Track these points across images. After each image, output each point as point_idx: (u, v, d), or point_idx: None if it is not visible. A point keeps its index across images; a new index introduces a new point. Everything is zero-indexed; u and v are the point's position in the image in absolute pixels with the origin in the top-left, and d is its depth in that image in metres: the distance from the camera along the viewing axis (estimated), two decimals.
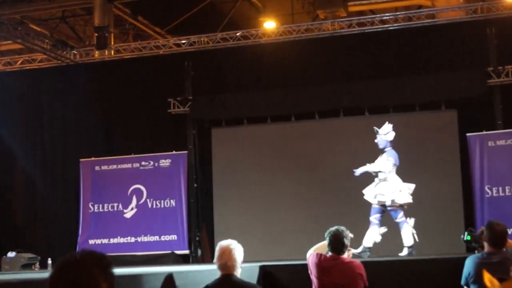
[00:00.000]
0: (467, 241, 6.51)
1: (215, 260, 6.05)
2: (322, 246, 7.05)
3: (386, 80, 14.87)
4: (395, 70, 14.92)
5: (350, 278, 6.69)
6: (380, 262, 10.08)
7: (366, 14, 16.49)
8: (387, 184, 12.11)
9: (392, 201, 11.95)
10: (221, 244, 6.08)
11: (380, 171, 12.15)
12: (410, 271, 9.67)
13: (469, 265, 6.98)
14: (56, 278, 2.52)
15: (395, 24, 15.31)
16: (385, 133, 12.40)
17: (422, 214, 14.21)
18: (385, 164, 12.12)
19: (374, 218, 12.04)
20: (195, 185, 15.73)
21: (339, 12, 15.79)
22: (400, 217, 11.99)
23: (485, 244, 6.93)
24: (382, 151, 12.37)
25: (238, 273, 6.03)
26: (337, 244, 6.76)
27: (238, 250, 6.03)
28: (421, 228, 14.04)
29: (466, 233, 6.57)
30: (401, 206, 12.04)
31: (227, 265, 5.94)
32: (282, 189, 15.14)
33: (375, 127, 12.36)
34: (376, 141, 12.36)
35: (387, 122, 12.48)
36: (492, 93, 14.38)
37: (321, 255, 6.82)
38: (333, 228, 6.83)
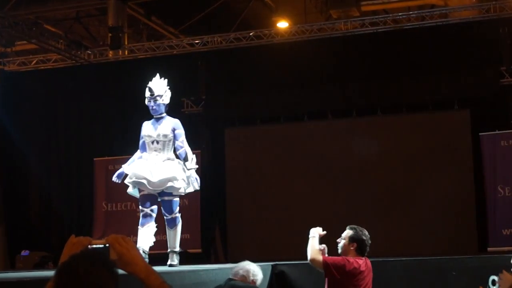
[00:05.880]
0: None
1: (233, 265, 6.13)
2: (317, 249, 6.65)
3: (398, 80, 14.87)
4: (407, 69, 14.91)
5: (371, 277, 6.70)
6: (390, 261, 10.10)
7: (379, 13, 16.52)
8: (172, 164, 9.19)
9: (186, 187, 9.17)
10: (244, 263, 6.13)
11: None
12: (422, 270, 9.71)
13: None
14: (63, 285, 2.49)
15: (408, 24, 15.32)
16: (163, 93, 9.23)
17: (434, 214, 14.25)
18: (186, 146, 9.45)
19: (151, 210, 9.30)
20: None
21: (352, 12, 15.88)
22: (178, 211, 9.27)
23: None
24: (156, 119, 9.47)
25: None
26: (367, 244, 6.64)
27: (258, 274, 6.07)
28: (432, 227, 14.09)
29: None
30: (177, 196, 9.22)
31: (238, 273, 6.03)
32: (295, 188, 15.15)
33: (151, 88, 9.05)
34: (150, 104, 9.19)
35: (158, 75, 9.34)
36: (505, 93, 14.31)
37: (350, 258, 6.54)
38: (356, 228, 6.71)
